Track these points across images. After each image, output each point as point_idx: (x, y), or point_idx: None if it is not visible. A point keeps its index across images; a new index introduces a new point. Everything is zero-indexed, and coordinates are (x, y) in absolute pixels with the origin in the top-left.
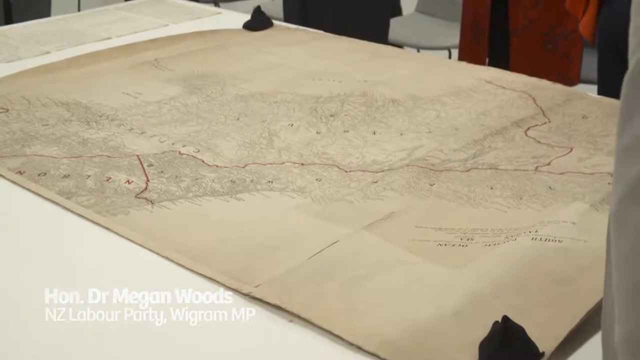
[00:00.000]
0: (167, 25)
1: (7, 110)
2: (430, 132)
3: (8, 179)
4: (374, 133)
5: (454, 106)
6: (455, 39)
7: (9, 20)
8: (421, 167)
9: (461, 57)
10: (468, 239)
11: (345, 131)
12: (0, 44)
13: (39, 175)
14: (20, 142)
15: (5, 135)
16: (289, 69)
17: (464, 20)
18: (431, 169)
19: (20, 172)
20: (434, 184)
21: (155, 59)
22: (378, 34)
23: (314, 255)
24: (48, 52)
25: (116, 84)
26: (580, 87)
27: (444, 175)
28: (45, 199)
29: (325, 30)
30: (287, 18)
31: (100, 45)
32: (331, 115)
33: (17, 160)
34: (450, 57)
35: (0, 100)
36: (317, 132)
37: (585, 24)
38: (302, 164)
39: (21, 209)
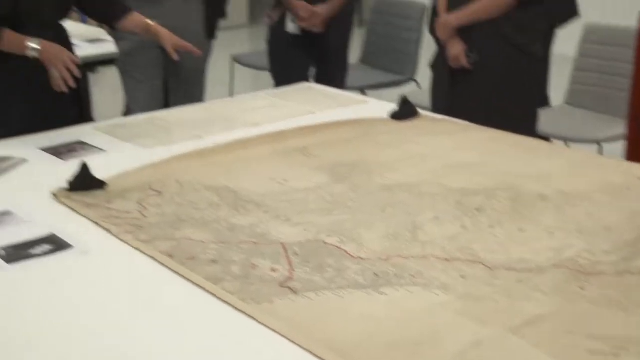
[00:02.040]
0: (314, 112)
1: (161, 193)
2: (579, 231)
3: (158, 262)
4: (521, 230)
5: (605, 204)
6: (607, 132)
7: (166, 104)
8: (570, 268)
9: (630, 152)
10: (621, 349)
11: (490, 226)
12: (157, 128)
13: (187, 259)
14: (171, 225)
15: (159, 218)
16: (434, 160)
17: (632, 113)
18: (581, 271)
19: (170, 256)
20: (584, 288)
21: (303, 147)
22: (526, 125)
23: (456, 355)
24: (200, 137)
25: (264, 171)
26: None
27: (594, 279)
28: (193, 283)
29: (472, 121)
30: (434, 108)
31: (250, 131)
32: (477, 209)
33: (168, 243)
34: (601, 151)
35: (156, 183)
36: (462, 227)
37: None
38: (447, 260)
39: (170, 292)
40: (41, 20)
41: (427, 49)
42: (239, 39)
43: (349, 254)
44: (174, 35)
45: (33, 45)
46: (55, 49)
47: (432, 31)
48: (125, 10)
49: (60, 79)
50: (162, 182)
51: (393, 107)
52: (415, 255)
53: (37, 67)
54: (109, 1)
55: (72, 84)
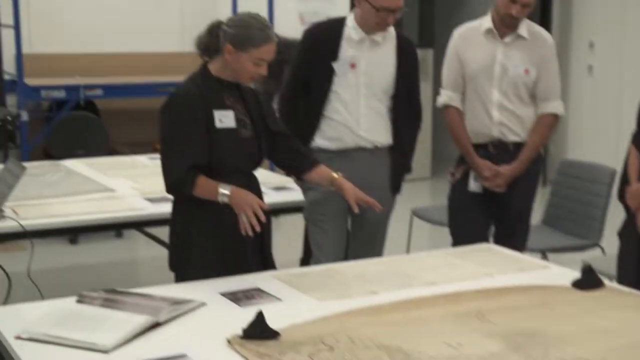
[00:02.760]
0: (492, 275)
1: (332, 349)
2: None
3: None
4: None
5: None
6: None
7: (346, 252)
8: None
9: None
10: None
11: None
12: (334, 281)
13: None
14: None
15: None
16: (619, 337)
17: None
18: None
19: None
20: None
21: (479, 311)
22: None
23: None
24: (376, 293)
25: (438, 333)
26: None
27: None
28: None
29: None
30: (621, 278)
31: (426, 290)
32: None
33: None
34: None
35: (328, 337)
36: None
37: None
38: None
39: None
40: (235, 170)
41: (615, 214)
42: (419, 192)
43: None
44: (357, 189)
45: (224, 191)
46: (245, 194)
47: (621, 197)
48: (312, 163)
49: (248, 223)
50: (335, 337)
51: (575, 274)
52: None
53: (225, 213)
54: (298, 153)
55: (258, 228)
